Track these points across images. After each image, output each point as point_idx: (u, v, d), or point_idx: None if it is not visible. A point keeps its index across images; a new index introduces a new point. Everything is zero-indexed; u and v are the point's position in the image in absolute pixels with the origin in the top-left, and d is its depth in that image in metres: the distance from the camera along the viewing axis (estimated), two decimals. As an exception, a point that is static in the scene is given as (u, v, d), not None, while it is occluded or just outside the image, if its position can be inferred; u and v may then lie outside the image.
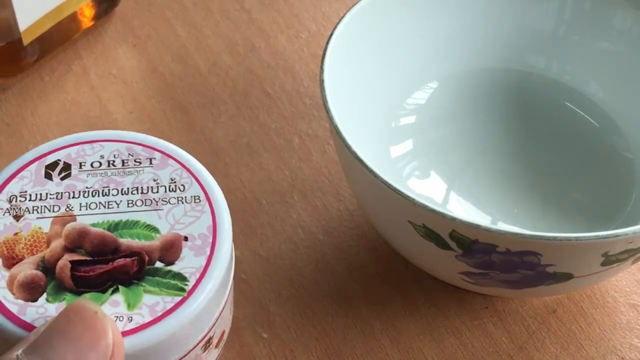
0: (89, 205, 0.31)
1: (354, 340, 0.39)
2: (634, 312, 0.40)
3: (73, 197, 0.31)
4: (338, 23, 0.40)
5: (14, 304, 0.29)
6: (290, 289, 0.40)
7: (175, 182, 0.32)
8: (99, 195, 0.31)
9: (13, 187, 0.31)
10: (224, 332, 0.33)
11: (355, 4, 0.41)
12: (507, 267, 0.34)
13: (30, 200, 0.31)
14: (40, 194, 0.31)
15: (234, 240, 0.32)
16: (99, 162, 0.32)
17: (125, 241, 0.30)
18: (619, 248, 0.33)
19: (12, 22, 0.45)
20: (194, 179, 0.32)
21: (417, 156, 0.43)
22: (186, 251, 0.30)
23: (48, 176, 0.32)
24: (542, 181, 0.43)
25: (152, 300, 0.29)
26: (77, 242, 0.30)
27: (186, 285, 0.29)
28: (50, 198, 0.31)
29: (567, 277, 0.35)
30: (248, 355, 0.38)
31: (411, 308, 0.40)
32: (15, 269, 0.29)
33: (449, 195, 0.42)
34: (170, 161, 0.32)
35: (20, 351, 0.25)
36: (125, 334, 0.28)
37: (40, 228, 0.30)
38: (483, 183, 0.43)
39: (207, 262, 0.30)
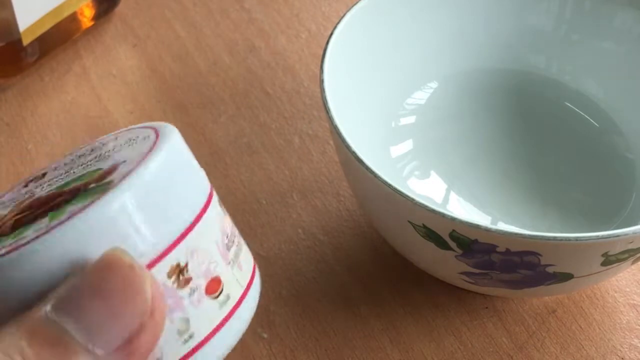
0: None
1: (354, 340, 0.39)
2: (634, 312, 0.40)
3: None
4: (338, 23, 0.40)
5: None
6: (290, 289, 0.40)
7: None
8: None
9: None
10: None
11: (355, 4, 0.41)
12: (507, 267, 0.34)
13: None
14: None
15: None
16: None
17: None
18: (619, 248, 0.33)
19: (12, 22, 0.45)
20: None
21: (417, 156, 0.43)
22: None
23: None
24: (542, 181, 0.43)
25: None
26: None
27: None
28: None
29: (567, 277, 0.35)
30: (248, 355, 0.38)
31: (411, 308, 0.40)
32: None
33: (449, 195, 0.42)
34: None
35: (49, 308, 0.23)
36: None
37: None
38: (483, 183, 0.43)
39: None
